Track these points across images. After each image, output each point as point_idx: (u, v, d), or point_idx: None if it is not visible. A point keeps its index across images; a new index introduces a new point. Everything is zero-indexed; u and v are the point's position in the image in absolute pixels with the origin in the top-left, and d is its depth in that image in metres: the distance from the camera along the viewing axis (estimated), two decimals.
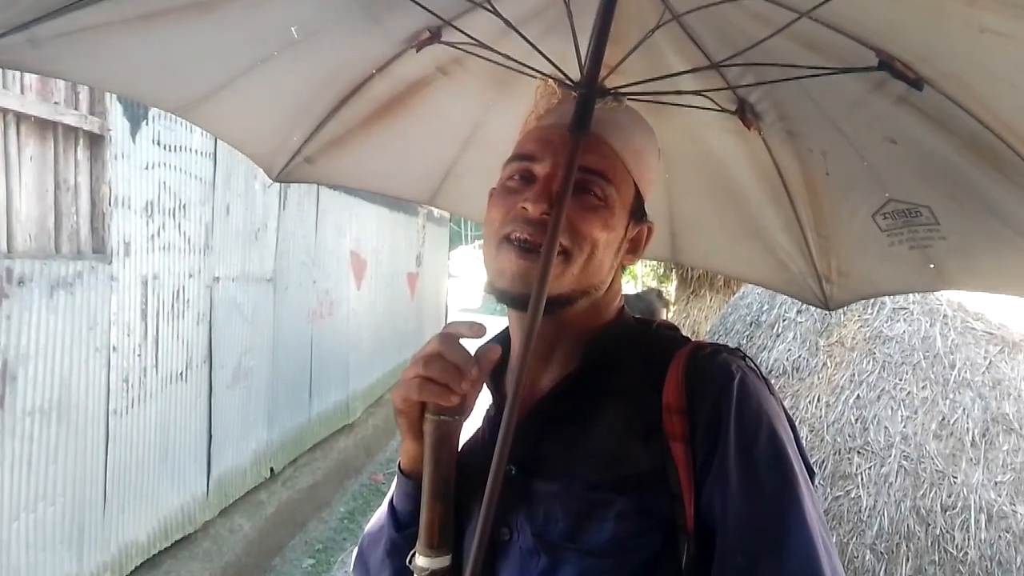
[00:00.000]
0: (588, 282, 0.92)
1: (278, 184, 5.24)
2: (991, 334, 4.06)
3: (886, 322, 4.11)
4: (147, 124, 3.54)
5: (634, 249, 1.00)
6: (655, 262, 12.46)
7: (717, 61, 1.04)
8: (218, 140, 4.25)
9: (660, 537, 0.83)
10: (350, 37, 1.16)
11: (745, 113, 1.13)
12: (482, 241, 0.99)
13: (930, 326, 4.03)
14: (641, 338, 0.98)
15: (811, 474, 0.88)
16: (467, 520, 0.93)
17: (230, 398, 4.65)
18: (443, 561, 0.89)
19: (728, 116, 1.14)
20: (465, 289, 22.08)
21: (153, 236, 3.67)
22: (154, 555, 3.80)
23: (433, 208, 11.12)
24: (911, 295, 4.10)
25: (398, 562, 0.96)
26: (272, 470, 5.35)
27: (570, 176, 0.87)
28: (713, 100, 1.10)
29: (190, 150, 4.01)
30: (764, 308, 4.89)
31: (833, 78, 0.95)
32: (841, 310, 4.30)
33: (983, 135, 0.87)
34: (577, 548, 0.85)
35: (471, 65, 1.21)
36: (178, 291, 3.94)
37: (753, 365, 0.92)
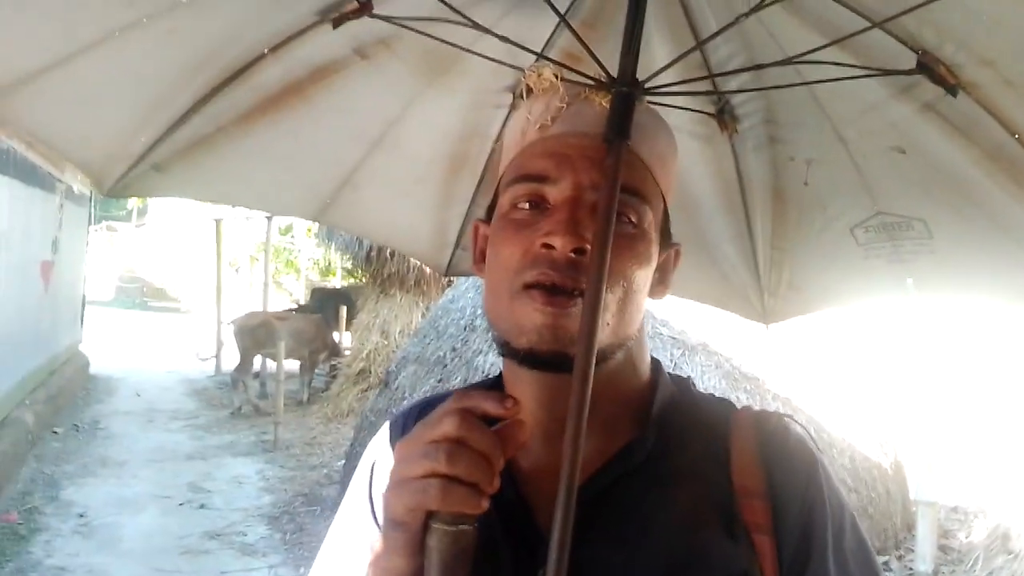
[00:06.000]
0: (625, 332, 0.74)
1: None
2: (675, 339, 4.66)
3: None
4: None
5: (663, 279, 0.83)
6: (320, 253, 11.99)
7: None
8: None
9: None
10: (243, 3, 0.90)
11: (724, 116, 1.03)
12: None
13: None
14: (686, 400, 0.82)
15: None
16: None
17: None
18: None
19: (701, 118, 1.04)
20: (93, 278, 19.05)
21: None
22: None
23: (74, 184, 9.38)
24: None
25: None
26: None
27: (613, 200, 0.70)
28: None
29: None
30: (479, 313, 4.96)
31: (853, 80, 0.89)
32: None
33: (1010, 146, 0.86)
34: None
35: (402, 47, 1.00)
36: None
37: (808, 432, 0.81)
